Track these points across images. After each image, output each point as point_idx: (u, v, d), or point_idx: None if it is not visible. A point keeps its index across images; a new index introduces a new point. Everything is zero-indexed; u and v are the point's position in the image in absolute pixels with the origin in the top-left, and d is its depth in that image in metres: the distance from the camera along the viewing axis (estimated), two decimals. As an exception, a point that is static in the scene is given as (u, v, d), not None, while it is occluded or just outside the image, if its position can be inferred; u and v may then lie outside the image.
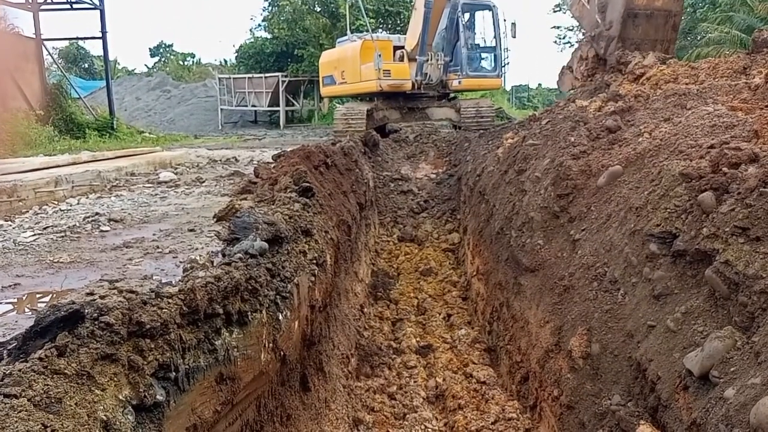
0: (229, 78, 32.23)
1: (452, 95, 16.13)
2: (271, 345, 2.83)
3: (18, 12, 20.58)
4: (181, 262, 5.05)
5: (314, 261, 3.75)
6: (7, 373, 1.49)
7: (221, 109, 31.89)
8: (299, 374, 3.51)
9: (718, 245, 2.37)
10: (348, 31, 18.44)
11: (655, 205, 3.06)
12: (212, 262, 2.74)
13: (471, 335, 5.81)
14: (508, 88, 38.49)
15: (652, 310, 2.72)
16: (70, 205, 8.81)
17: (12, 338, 1.85)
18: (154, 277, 4.61)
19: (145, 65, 53.94)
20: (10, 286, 4.86)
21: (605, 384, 2.93)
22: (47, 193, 9.40)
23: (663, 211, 2.95)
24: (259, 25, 35.27)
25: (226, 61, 42.27)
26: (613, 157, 4.21)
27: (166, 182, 11.07)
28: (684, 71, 6.73)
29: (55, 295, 4.62)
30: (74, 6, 22.51)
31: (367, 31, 17.57)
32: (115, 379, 1.71)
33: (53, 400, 1.48)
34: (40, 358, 1.57)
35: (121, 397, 1.70)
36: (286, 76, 29.46)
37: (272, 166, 5.73)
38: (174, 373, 1.97)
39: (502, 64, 15.97)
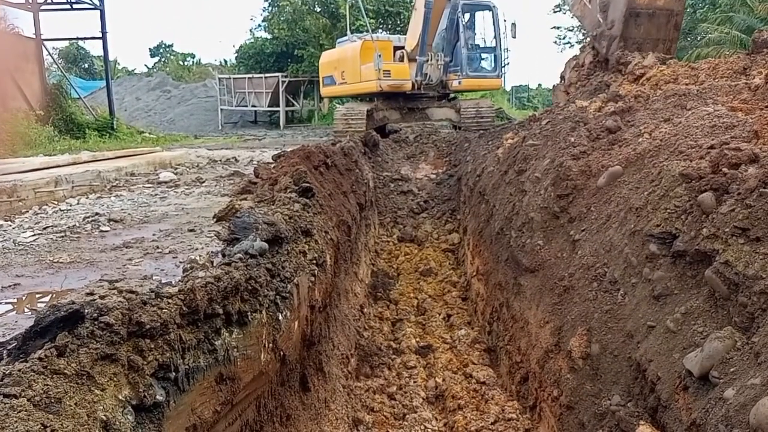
0: (229, 78, 32.23)
1: (452, 95, 16.13)
2: (270, 345, 2.83)
3: (18, 12, 20.63)
4: (180, 262, 5.05)
5: (314, 261, 3.75)
6: (6, 373, 1.49)
7: (221, 110, 31.90)
8: (299, 374, 3.51)
9: (718, 246, 2.37)
10: (348, 32, 18.44)
11: (655, 206, 3.06)
12: (212, 263, 2.74)
13: (471, 335, 5.81)
14: (508, 88, 38.52)
15: (651, 310, 2.72)
16: (70, 205, 8.81)
17: (12, 338, 1.85)
18: (153, 278, 4.61)
19: (145, 65, 54.00)
20: (9, 286, 4.86)
21: (605, 384, 2.93)
22: (47, 193, 9.40)
23: (663, 211, 2.95)
24: (259, 25, 35.36)
25: (226, 62, 42.32)
26: (613, 157, 4.21)
27: (166, 182, 11.08)
28: (684, 72, 6.74)
29: (54, 295, 4.62)
30: (74, 6, 22.53)
31: (367, 31, 17.57)
32: (115, 379, 1.71)
33: (53, 400, 1.48)
34: (40, 358, 1.57)
35: (120, 397, 1.70)
36: (286, 77, 29.46)
37: (272, 166, 5.73)
38: (174, 373, 1.97)
39: (502, 65, 15.97)
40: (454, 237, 8.76)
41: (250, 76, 30.81)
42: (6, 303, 4.54)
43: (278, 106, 29.83)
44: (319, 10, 29.94)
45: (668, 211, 2.90)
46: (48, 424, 1.41)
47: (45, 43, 22.43)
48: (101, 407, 1.60)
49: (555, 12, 36.86)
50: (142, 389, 1.78)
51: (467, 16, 15.41)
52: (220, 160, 14.76)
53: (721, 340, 2.09)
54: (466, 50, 14.87)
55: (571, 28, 36.46)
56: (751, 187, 2.40)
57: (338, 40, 19.36)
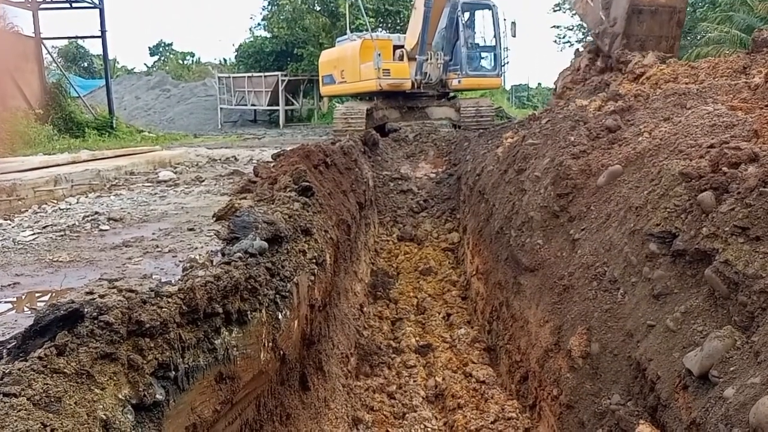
0: (229, 77, 32.22)
1: (452, 94, 16.12)
2: (270, 344, 2.83)
3: (17, 11, 20.62)
4: (180, 261, 5.05)
5: (314, 260, 3.75)
6: (6, 372, 1.49)
7: (221, 108, 31.88)
8: (299, 373, 3.51)
9: (718, 245, 2.37)
10: (348, 31, 18.44)
11: (655, 205, 3.06)
12: (212, 262, 2.74)
13: (470, 335, 5.81)
14: (507, 87, 38.46)
15: (651, 309, 2.72)
16: (70, 204, 8.81)
17: (11, 337, 1.84)
18: (153, 276, 4.61)
19: (145, 64, 53.90)
20: (9, 285, 4.86)
21: (605, 383, 2.93)
22: (46, 192, 9.40)
23: (663, 210, 2.95)
24: (259, 24, 35.30)
25: (225, 60, 42.35)
26: (612, 156, 4.21)
27: (165, 181, 11.07)
28: (684, 71, 6.73)
29: (54, 294, 4.61)
30: (74, 5, 22.50)
31: (367, 30, 17.57)
32: (115, 378, 1.71)
33: (53, 399, 1.48)
34: (40, 357, 1.57)
35: (120, 396, 1.70)
36: (285, 75, 29.44)
37: (272, 165, 5.73)
38: (173, 373, 1.97)
39: (502, 64, 15.96)
40: (453, 236, 8.76)
41: (250, 75, 30.79)
42: (6, 302, 4.54)
43: (278, 105, 29.81)
44: (318, 8, 29.93)
45: (668, 210, 2.90)
46: (48, 423, 1.41)
47: (44, 41, 22.44)
48: (101, 406, 1.60)
49: (555, 11, 36.94)
50: (141, 388, 1.78)
51: (467, 15, 15.40)
52: (220, 159, 14.75)
53: (720, 339, 2.09)
54: (466, 49, 14.86)
55: (570, 27, 36.52)
56: (750, 186, 2.40)
57: (338, 39, 19.34)
